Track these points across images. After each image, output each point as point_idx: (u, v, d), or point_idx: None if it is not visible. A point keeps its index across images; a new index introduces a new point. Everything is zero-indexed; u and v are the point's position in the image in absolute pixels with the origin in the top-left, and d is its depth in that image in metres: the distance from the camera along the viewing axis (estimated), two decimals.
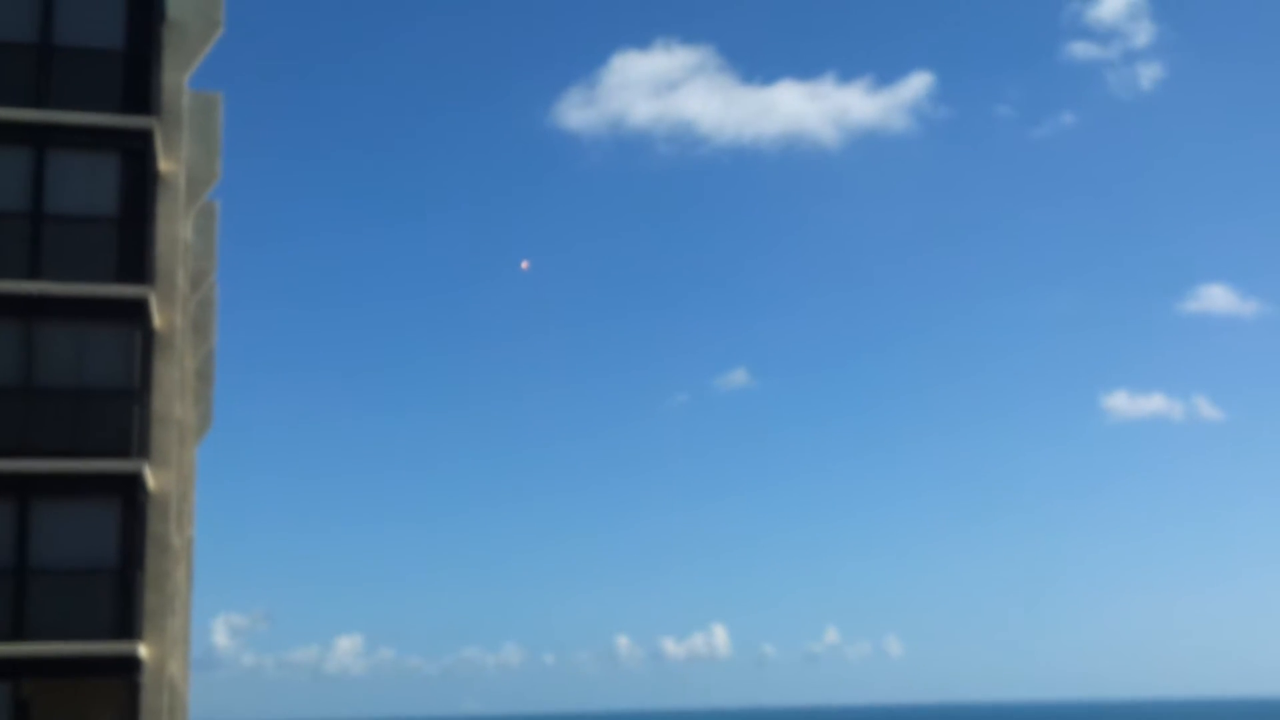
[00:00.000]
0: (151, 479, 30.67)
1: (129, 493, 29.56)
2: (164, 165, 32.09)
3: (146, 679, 29.89)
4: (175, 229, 32.08)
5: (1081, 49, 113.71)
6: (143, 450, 30.14)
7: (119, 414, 30.04)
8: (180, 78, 32.63)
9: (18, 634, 28.56)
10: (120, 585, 29.30)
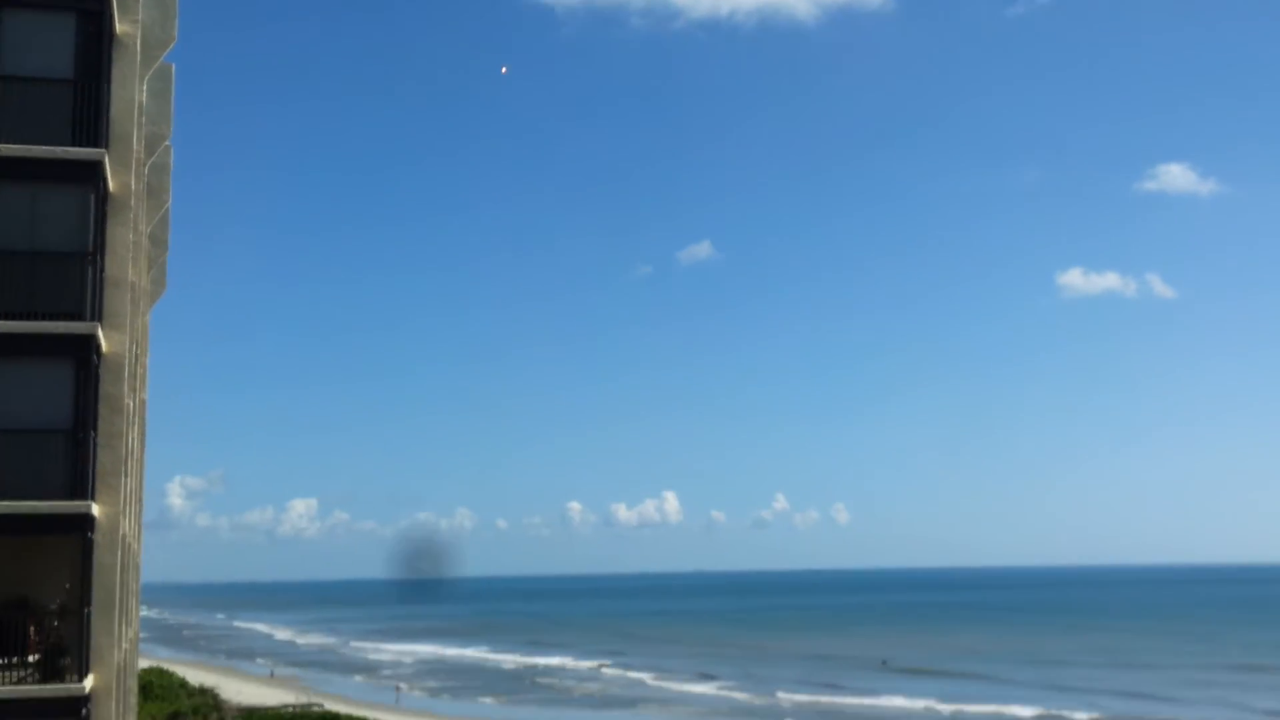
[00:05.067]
0: (105, 341, 30.92)
1: (82, 354, 29.82)
2: (120, 27, 31.92)
3: (99, 537, 30.40)
4: (131, 91, 31.99)
5: None
6: (96, 312, 30.33)
7: (72, 276, 30.16)
8: None
9: None
10: (73, 445, 29.65)
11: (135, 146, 32.72)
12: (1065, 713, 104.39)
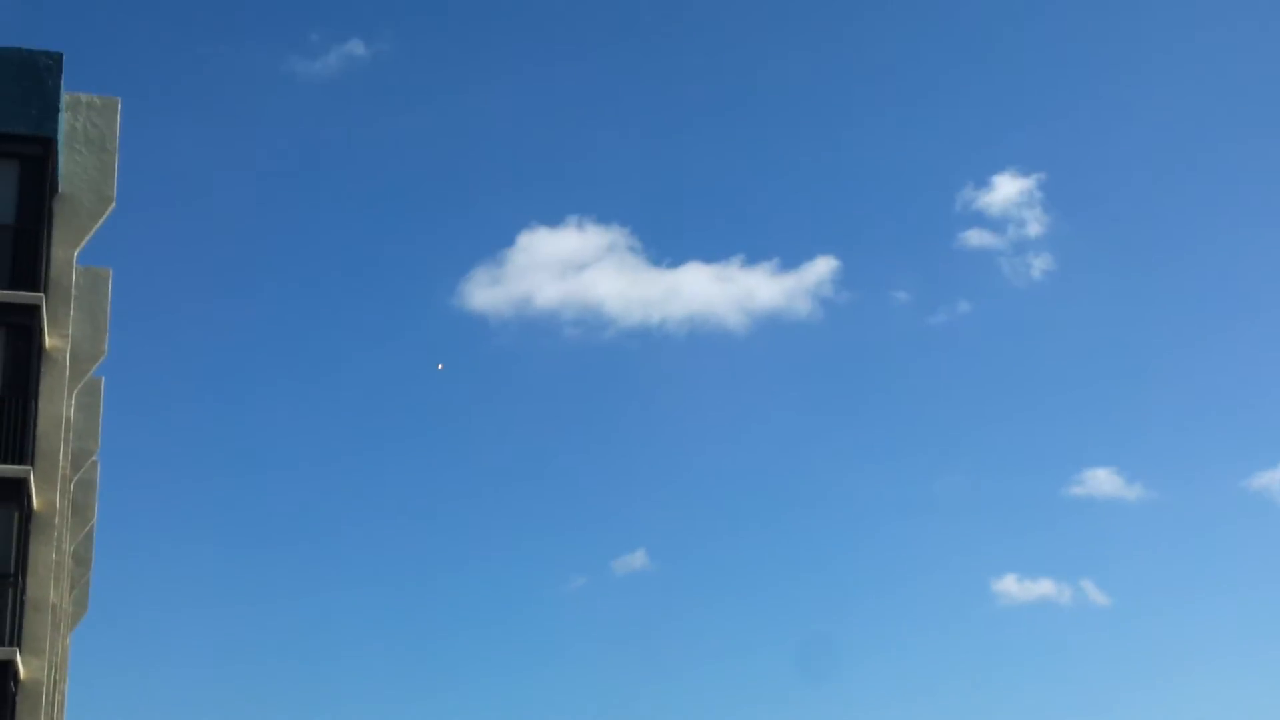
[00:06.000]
0: (23, 668, 29.32)
1: None
2: (50, 341, 31.31)
3: None
4: (59, 407, 31.19)
5: (976, 236, 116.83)
6: (15, 637, 28.83)
7: None
8: (70, 253, 32.01)
9: None
10: None
11: (61, 463, 31.75)
12: None
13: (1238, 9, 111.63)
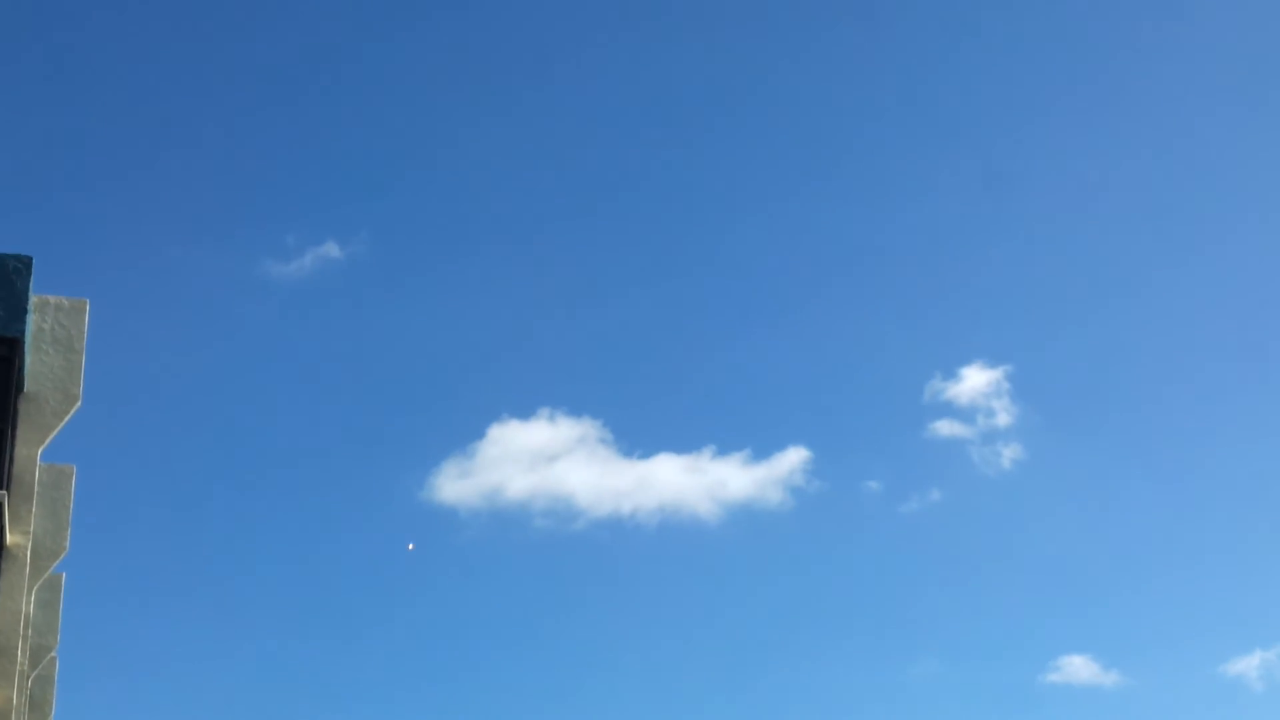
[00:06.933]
0: None
1: None
2: (11, 538, 31.55)
3: None
4: (18, 604, 31.29)
5: (946, 427, 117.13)
6: None
7: None
8: (34, 450, 32.38)
9: None
10: None
11: (20, 659, 31.75)
12: None
13: (1200, 219, 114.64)
